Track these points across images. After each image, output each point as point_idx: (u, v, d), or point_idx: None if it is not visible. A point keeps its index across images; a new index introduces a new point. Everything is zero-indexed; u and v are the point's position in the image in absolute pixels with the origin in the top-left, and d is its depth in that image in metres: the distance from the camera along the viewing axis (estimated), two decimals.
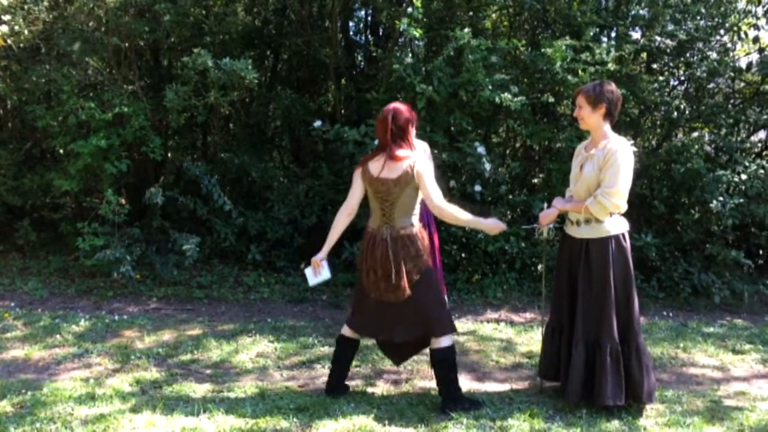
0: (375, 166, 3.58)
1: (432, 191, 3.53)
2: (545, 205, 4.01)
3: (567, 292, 3.78)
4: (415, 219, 3.63)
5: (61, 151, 6.43)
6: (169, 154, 7.30)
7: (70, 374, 4.20)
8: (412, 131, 3.62)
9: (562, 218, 3.93)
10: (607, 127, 3.63)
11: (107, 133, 5.91)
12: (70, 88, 5.95)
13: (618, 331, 3.61)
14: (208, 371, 4.31)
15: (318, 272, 3.77)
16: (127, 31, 6.10)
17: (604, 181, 3.53)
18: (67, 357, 4.52)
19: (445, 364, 3.67)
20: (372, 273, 3.60)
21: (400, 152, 3.53)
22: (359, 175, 3.65)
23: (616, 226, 3.63)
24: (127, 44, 6.24)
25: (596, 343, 3.63)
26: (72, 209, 7.48)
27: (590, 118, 3.62)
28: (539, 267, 6.48)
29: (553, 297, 3.94)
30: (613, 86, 3.61)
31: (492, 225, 3.68)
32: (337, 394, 3.84)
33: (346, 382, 3.96)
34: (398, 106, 3.61)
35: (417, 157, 3.55)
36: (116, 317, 5.43)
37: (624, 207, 3.60)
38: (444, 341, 3.63)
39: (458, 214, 3.58)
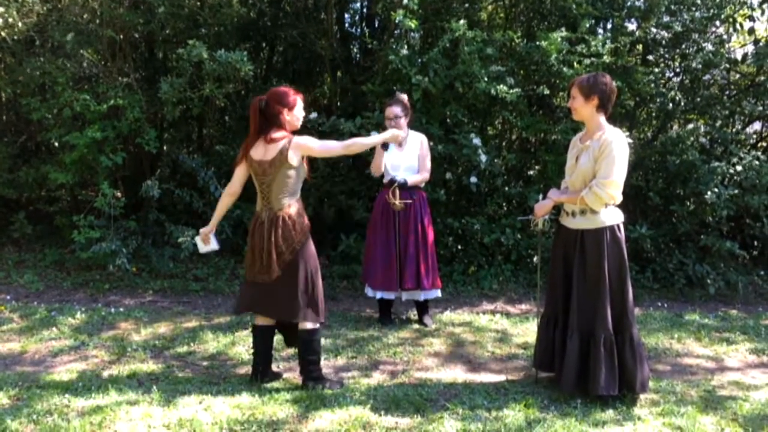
0: (255, 150, 3.68)
1: (315, 145, 3.66)
2: (541, 196, 4.02)
3: (562, 282, 3.80)
4: (293, 200, 3.71)
5: (56, 144, 6.41)
6: (165, 147, 7.28)
7: (66, 367, 4.20)
8: (288, 115, 3.67)
9: (557, 210, 3.95)
10: (602, 118, 3.63)
11: (102, 125, 5.89)
12: (64, 80, 5.93)
13: (612, 321, 3.63)
14: (205, 363, 4.32)
15: (207, 243, 4.02)
16: (121, 23, 6.08)
17: (600, 172, 3.54)
18: (63, 349, 4.52)
19: (309, 346, 3.80)
20: (250, 253, 3.77)
21: (275, 134, 3.62)
22: (242, 159, 3.75)
23: (611, 217, 3.64)
24: (121, 36, 6.22)
25: (590, 334, 3.65)
26: (67, 202, 7.46)
27: (583, 109, 3.63)
28: (535, 258, 6.50)
29: (548, 288, 3.96)
30: (607, 78, 3.62)
31: (389, 135, 3.86)
32: (263, 380, 3.92)
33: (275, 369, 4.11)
34: (274, 92, 3.67)
35: (293, 137, 3.65)
36: (112, 310, 5.43)
37: (619, 198, 3.61)
38: (308, 324, 3.77)
39: (360, 141, 3.75)
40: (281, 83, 7.12)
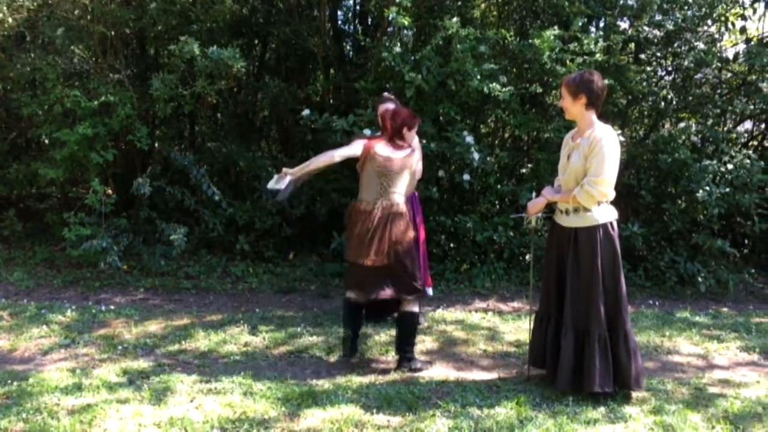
0: (381, 146, 4.12)
1: (419, 166, 4.52)
2: (533, 194, 4.03)
3: (555, 280, 3.80)
4: (404, 197, 4.20)
5: (47, 140, 6.37)
6: (156, 144, 7.25)
7: (56, 365, 4.18)
8: (407, 134, 4.21)
9: (550, 208, 3.95)
10: (592, 116, 3.63)
11: (93, 122, 5.85)
12: (55, 76, 5.89)
13: (606, 318, 3.64)
14: (196, 361, 4.31)
15: (281, 183, 4.09)
16: (112, 19, 6.04)
17: (590, 170, 3.54)
18: (53, 347, 4.49)
19: (410, 328, 4.19)
20: (357, 239, 4.08)
21: (402, 143, 4.19)
22: (363, 147, 4.12)
23: (605, 214, 3.65)
24: (113, 32, 6.17)
25: (585, 331, 3.65)
26: (58, 199, 7.42)
27: (572, 107, 3.64)
28: (527, 257, 6.51)
29: (542, 285, 3.97)
30: (595, 76, 3.61)
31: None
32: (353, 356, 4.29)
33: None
34: (407, 113, 4.22)
35: (413, 150, 4.27)
36: (103, 308, 5.40)
37: (611, 195, 3.62)
38: (413, 307, 4.15)
39: None
40: (274, 80, 7.13)
